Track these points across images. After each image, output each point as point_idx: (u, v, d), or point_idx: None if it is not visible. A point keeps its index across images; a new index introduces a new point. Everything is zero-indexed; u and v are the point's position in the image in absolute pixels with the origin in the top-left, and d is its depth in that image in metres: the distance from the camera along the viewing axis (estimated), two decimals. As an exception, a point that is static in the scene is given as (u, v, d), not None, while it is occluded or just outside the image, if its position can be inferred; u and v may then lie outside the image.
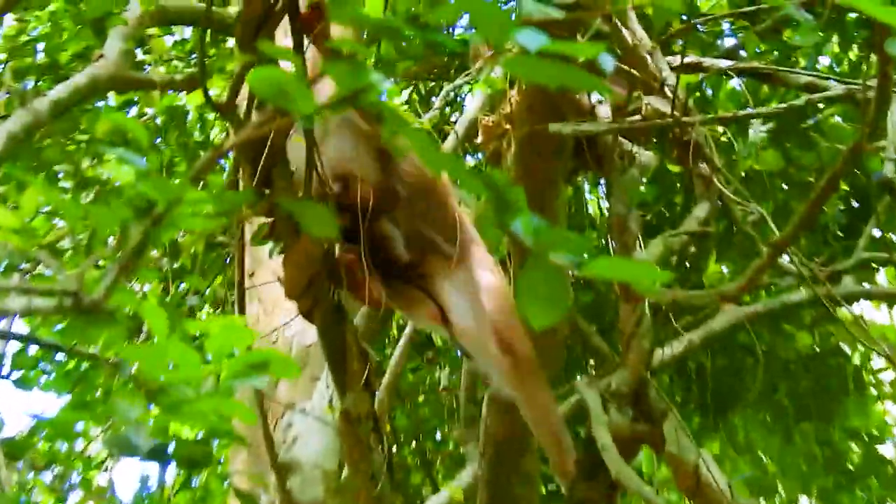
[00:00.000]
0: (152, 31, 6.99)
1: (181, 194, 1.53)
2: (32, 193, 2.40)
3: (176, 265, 6.54)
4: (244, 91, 2.78)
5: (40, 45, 7.02)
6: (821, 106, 5.63)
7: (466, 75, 5.48)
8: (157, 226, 1.48)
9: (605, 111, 4.55)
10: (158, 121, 7.04)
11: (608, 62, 1.35)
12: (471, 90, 5.83)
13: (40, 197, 2.45)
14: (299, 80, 1.47)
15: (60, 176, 6.82)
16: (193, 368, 1.46)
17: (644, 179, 5.57)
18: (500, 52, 1.43)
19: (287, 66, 1.57)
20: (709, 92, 5.90)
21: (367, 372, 3.08)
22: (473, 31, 1.46)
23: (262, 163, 2.90)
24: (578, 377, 5.29)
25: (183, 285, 6.60)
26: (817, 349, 6.59)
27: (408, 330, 5.31)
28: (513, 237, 1.36)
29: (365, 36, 5.74)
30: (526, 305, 1.29)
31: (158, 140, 7.01)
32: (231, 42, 6.62)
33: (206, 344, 1.53)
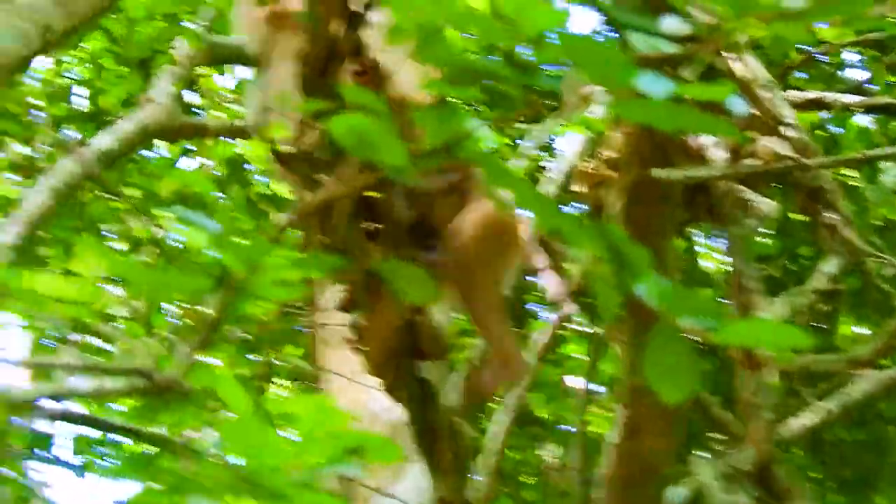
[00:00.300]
0: (203, 69, 7.03)
1: (262, 260, 1.52)
2: (88, 257, 2.42)
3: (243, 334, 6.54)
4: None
5: (79, 89, 7.07)
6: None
7: (559, 116, 5.48)
8: (238, 296, 1.49)
9: (717, 154, 4.51)
10: (217, 173, 7.05)
11: (739, 105, 1.33)
12: (563, 133, 5.83)
13: (94, 261, 2.47)
14: (387, 129, 1.47)
15: (107, 236, 6.82)
16: (280, 454, 1.45)
17: (764, 230, 5.51)
18: (612, 95, 1.42)
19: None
20: (836, 131, 5.84)
21: (460, 453, 3.07)
22: (569, 67, 1.45)
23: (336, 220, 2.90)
24: (698, 453, 5.21)
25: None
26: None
27: (509, 401, 5.27)
28: (633, 301, 1.34)
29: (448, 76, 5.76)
30: (655, 379, 1.27)
31: (219, 195, 7.02)
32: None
33: (293, 426, 1.52)
